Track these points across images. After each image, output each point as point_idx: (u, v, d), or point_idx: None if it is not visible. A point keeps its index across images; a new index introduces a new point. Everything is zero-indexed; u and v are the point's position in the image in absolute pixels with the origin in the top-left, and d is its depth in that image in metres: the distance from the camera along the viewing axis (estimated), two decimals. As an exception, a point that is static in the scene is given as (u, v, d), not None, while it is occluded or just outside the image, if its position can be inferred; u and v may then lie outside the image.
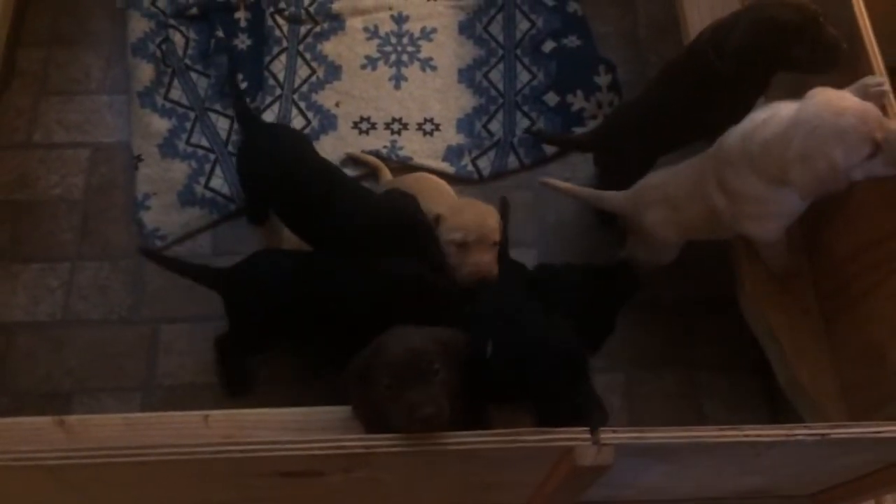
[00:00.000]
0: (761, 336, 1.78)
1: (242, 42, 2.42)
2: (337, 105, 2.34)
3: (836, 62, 1.59)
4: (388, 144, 2.27)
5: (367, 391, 1.42)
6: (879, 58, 1.56)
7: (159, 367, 1.99)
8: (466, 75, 2.39)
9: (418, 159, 2.25)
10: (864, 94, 1.53)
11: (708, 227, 1.76)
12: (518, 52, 2.43)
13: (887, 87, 1.55)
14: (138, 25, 2.42)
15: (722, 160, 1.63)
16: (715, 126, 1.86)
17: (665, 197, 1.75)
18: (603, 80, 2.35)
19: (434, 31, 2.46)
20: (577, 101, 2.32)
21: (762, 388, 1.97)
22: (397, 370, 1.35)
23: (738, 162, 1.58)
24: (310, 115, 2.32)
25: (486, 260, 1.76)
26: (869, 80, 1.57)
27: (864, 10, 1.61)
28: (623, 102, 2.23)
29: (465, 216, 1.80)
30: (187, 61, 2.39)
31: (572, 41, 2.42)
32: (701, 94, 1.77)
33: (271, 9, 2.46)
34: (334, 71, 2.39)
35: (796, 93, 1.71)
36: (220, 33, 2.41)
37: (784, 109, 1.54)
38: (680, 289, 2.06)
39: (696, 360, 2.02)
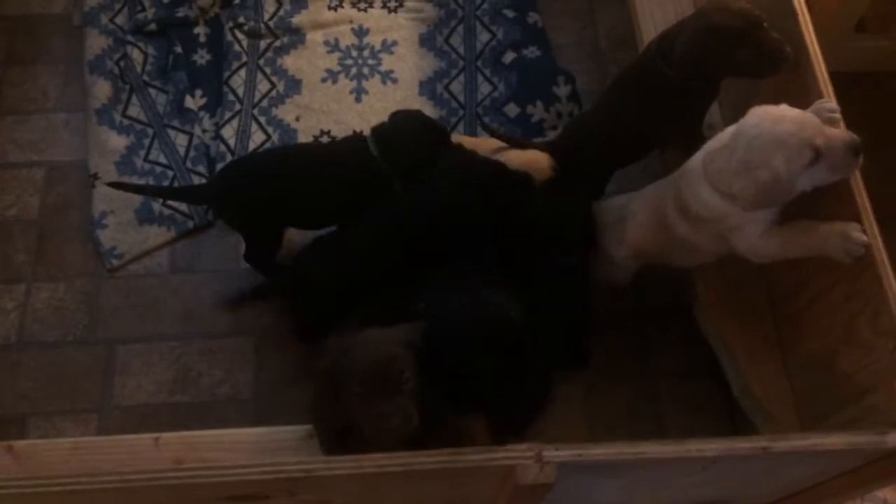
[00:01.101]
0: (714, 343, 1.78)
1: (202, 57, 2.41)
2: (297, 119, 2.33)
3: (781, 66, 1.60)
4: (348, 158, 2.26)
5: (335, 395, 1.41)
6: (823, 65, 1.57)
7: (115, 388, 1.97)
8: (427, 87, 2.39)
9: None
10: (819, 118, 1.51)
11: (666, 254, 1.75)
12: (479, 63, 2.43)
13: (838, 115, 1.53)
14: (96, 42, 2.40)
15: (682, 185, 1.62)
16: (669, 135, 1.88)
17: (622, 220, 1.75)
18: (562, 90, 2.35)
19: (395, 43, 2.46)
20: (537, 112, 2.32)
21: (723, 394, 1.96)
22: (368, 379, 1.36)
23: (697, 181, 1.57)
24: (270, 129, 2.31)
25: None
26: (825, 103, 1.55)
27: (808, 20, 1.61)
28: (579, 114, 2.23)
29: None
30: (146, 77, 2.37)
31: (532, 52, 2.43)
32: (653, 102, 1.77)
33: (230, 24, 2.45)
34: (294, 85, 2.38)
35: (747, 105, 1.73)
36: (178, 49, 2.40)
37: (729, 129, 1.54)
38: (638, 297, 2.06)
39: (655, 368, 2.02)
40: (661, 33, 1.76)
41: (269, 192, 1.86)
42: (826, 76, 1.55)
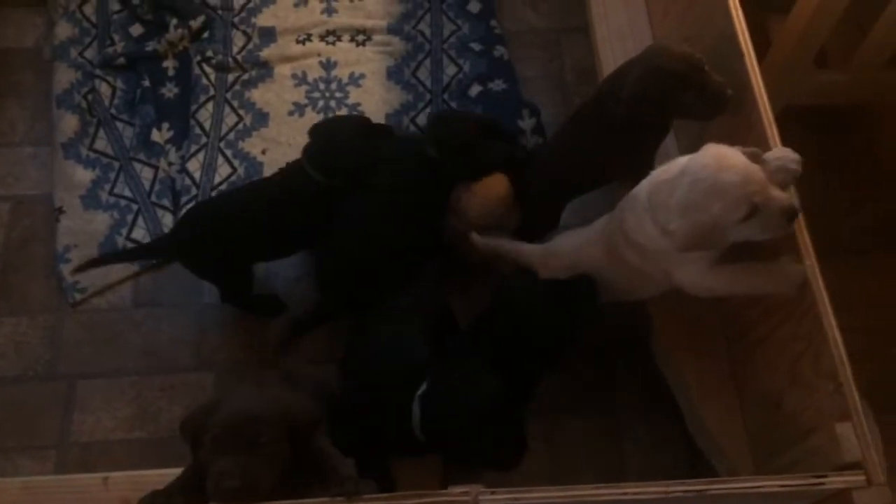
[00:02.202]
0: (670, 379, 1.78)
1: (169, 91, 2.43)
2: (263, 153, 2.34)
3: (723, 108, 1.62)
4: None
5: (196, 449, 1.36)
6: (768, 105, 1.58)
7: (75, 424, 1.97)
8: (394, 120, 2.40)
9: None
10: (781, 168, 1.51)
11: (624, 287, 1.76)
12: (445, 96, 2.45)
13: (798, 170, 1.53)
14: (64, 77, 2.42)
15: (628, 209, 1.62)
16: (623, 169, 1.90)
17: (575, 263, 1.75)
18: (527, 123, 2.37)
19: (362, 76, 2.48)
20: (502, 145, 2.34)
21: (684, 430, 1.96)
22: (221, 434, 1.29)
23: (642, 211, 1.58)
24: (236, 162, 2.32)
25: None
26: (790, 155, 1.53)
27: (754, 60, 1.63)
28: (535, 149, 2.25)
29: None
30: (113, 111, 2.39)
31: (498, 85, 2.44)
32: (605, 139, 1.80)
33: (199, 57, 2.47)
34: (262, 118, 2.40)
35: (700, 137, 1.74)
36: (146, 82, 2.42)
37: (680, 160, 1.55)
38: (600, 332, 2.05)
39: (617, 403, 2.02)
40: (612, 72, 1.78)
41: (224, 238, 1.87)
42: (770, 116, 1.56)
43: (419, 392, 1.58)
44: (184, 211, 2.16)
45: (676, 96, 1.63)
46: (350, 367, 1.80)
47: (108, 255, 2.04)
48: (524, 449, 1.67)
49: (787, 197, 1.43)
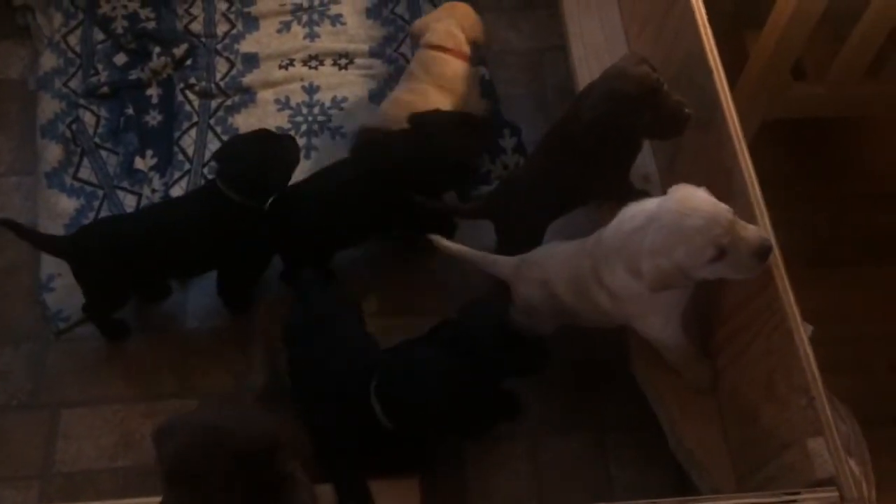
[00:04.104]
0: (650, 396, 1.77)
1: (153, 118, 2.45)
2: (246, 178, 2.35)
3: (682, 127, 1.63)
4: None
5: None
6: (738, 123, 1.59)
7: (58, 453, 1.96)
8: (377, 142, 2.41)
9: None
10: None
11: (585, 318, 1.76)
12: (427, 117, 2.45)
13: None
14: (49, 106, 2.44)
15: (599, 257, 1.63)
16: (599, 190, 1.91)
17: (543, 278, 1.76)
18: (508, 142, 2.38)
19: (345, 99, 2.49)
20: (484, 164, 2.35)
21: (670, 447, 1.95)
22: (168, 471, 1.26)
23: (613, 257, 1.59)
24: (219, 188, 2.33)
25: None
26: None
27: (723, 77, 1.64)
28: (510, 172, 2.25)
29: None
30: (97, 140, 2.40)
31: (479, 105, 2.45)
32: (575, 161, 1.80)
33: (182, 84, 2.49)
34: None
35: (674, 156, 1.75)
36: (130, 110, 2.44)
37: (650, 203, 1.55)
38: (583, 349, 2.05)
39: (602, 421, 2.01)
40: (577, 95, 1.80)
41: (120, 254, 1.90)
42: (740, 133, 1.57)
43: (373, 384, 1.62)
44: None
45: (632, 118, 1.64)
46: (302, 383, 1.80)
47: (13, 224, 1.97)
48: (496, 417, 1.75)
49: (757, 236, 1.43)
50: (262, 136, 1.97)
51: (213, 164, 2.02)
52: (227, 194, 1.89)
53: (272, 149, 1.93)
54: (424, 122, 2.00)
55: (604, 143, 1.71)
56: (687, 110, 1.61)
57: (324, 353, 1.76)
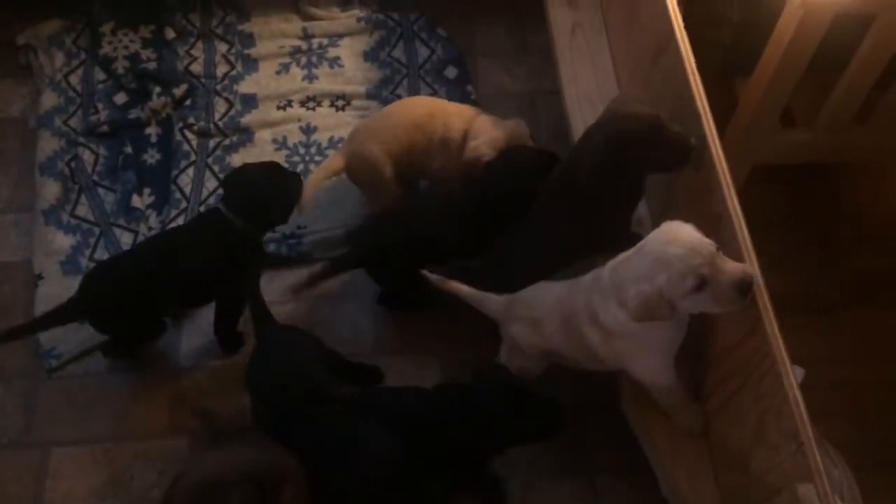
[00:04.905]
0: (641, 439, 1.77)
1: (151, 157, 2.47)
2: (242, 216, 2.37)
3: (689, 157, 1.65)
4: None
5: None
6: (726, 168, 1.61)
7: (47, 492, 1.96)
8: (373, 182, 2.43)
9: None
10: None
11: (574, 358, 1.77)
12: (422, 158, 2.48)
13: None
14: (48, 144, 2.47)
15: (594, 293, 1.64)
16: (598, 242, 1.90)
17: (532, 318, 1.76)
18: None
19: (342, 140, 2.52)
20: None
21: (662, 492, 1.94)
22: (189, 500, 1.29)
23: (608, 293, 1.60)
24: (215, 227, 2.35)
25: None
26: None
27: (711, 121, 1.67)
28: (510, 230, 2.24)
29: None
30: (95, 177, 2.43)
31: (471, 146, 2.47)
32: (577, 213, 1.81)
33: (181, 124, 2.52)
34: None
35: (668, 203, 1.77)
36: (129, 149, 2.47)
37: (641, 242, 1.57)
38: (575, 391, 2.05)
39: (594, 464, 2.00)
40: (575, 145, 1.82)
41: (134, 293, 1.91)
42: (729, 178, 1.59)
43: None
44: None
45: (639, 156, 1.66)
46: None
47: (21, 327, 1.99)
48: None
49: (738, 269, 1.44)
50: (271, 167, 2.02)
51: (219, 190, 2.08)
52: (230, 219, 1.93)
53: (279, 181, 1.98)
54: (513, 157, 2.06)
55: (608, 187, 1.72)
56: (693, 140, 1.63)
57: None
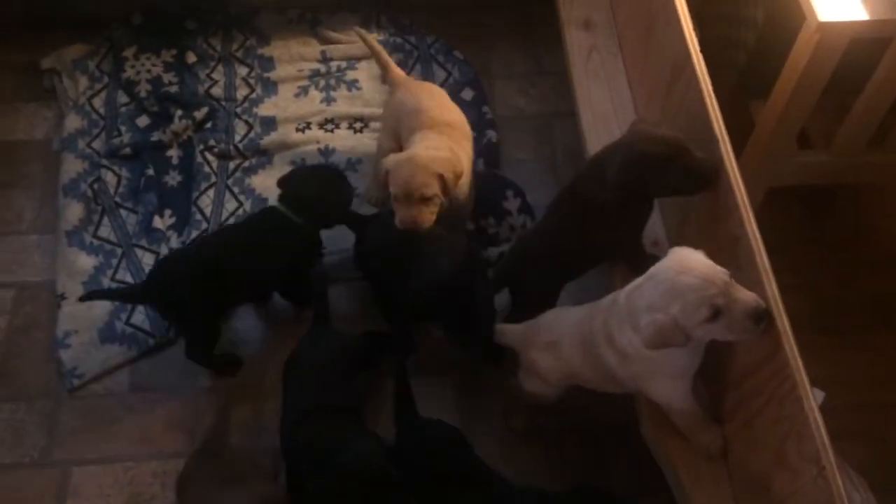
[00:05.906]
0: (661, 463, 1.76)
1: (173, 178, 2.51)
2: (262, 237, 2.40)
3: (711, 182, 1.66)
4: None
5: None
6: (744, 190, 1.62)
7: (66, 512, 1.97)
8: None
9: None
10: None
11: (593, 381, 1.77)
12: (439, 179, 2.50)
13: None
14: (71, 167, 2.51)
15: (613, 317, 1.64)
16: (611, 251, 1.93)
17: (550, 341, 1.77)
18: (512, 203, 2.42)
19: (360, 161, 2.55)
20: (491, 226, 2.39)
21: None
22: None
23: (625, 317, 1.61)
24: (235, 247, 2.37)
25: (412, 213, 1.94)
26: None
27: (729, 146, 1.68)
28: (521, 236, 2.26)
29: (399, 172, 1.96)
30: (118, 199, 2.46)
31: (479, 165, 2.47)
32: (589, 222, 1.84)
33: (202, 146, 2.55)
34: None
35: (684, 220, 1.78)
36: (150, 171, 2.50)
37: (653, 267, 1.58)
38: (592, 413, 2.05)
39: (612, 486, 1.99)
40: (592, 157, 1.83)
41: (202, 282, 1.99)
42: (746, 200, 1.59)
43: None
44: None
45: (662, 179, 1.67)
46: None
47: (95, 293, 2.10)
48: None
49: (752, 299, 1.45)
50: (324, 168, 2.26)
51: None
52: (289, 216, 2.05)
53: (333, 180, 2.14)
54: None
55: (626, 205, 1.74)
56: (714, 164, 1.64)
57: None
